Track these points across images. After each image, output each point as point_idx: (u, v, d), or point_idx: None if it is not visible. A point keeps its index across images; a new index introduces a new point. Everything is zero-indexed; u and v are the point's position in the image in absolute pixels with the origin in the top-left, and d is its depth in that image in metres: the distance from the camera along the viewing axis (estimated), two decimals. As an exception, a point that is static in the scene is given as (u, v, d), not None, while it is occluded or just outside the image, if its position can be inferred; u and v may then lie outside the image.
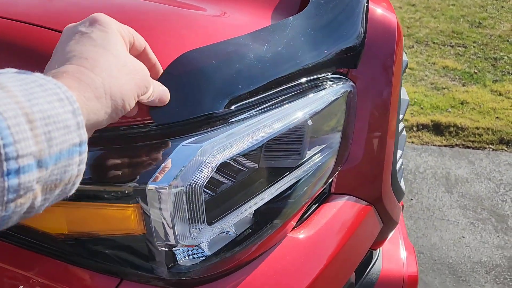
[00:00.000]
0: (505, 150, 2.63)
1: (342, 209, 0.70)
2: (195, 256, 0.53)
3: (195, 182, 0.47)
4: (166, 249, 0.49)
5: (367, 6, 0.74)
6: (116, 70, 0.41)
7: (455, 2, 5.38)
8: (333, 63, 0.67)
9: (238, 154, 0.51)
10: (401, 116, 0.87)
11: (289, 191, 0.62)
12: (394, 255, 0.98)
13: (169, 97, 0.48)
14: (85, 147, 0.37)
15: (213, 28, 0.61)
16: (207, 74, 0.51)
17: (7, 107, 0.32)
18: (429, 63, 3.75)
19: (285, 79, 0.59)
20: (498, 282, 1.81)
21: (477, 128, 2.78)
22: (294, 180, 0.62)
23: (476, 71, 3.57)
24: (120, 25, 0.45)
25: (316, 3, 0.68)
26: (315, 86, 0.66)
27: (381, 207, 0.80)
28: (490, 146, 2.67)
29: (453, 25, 4.59)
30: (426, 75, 3.53)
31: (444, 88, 3.32)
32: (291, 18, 0.64)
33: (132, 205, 0.47)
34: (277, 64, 0.58)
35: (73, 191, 0.38)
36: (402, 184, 0.92)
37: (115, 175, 0.46)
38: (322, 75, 0.67)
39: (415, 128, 2.82)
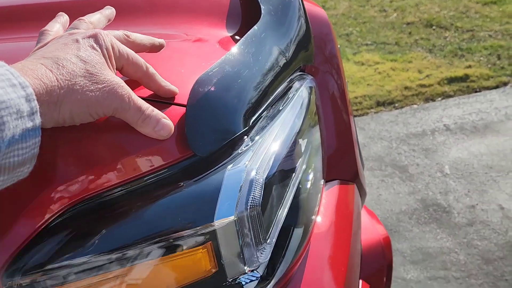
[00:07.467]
0: (384, 111, 2.97)
1: (341, 193, 0.75)
2: (254, 280, 0.52)
3: (253, 203, 0.46)
4: (236, 282, 0.48)
5: (303, 5, 0.79)
6: (81, 84, 0.42)
7: (296, -8, 5.84)
8: (298, 61, 0.71)
9: (276, 163, 0.51)
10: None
11: (303, 191, 0.64)
12: (365, 225, 1.06)
13: (169, 131, 0.46)
14: (39, 132, 0.39)
15: (189, 48, 0.60)
16: (222, 97, 0.50)
17: None
18: (294, 50, 4.03)
19: (275, 84, 0.61)
20: (420, 223, 2.05)
21: (356, 97, 3.08)
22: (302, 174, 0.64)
23: (335, 48, 3.95)
24: (117, 48, 0.46)
25: (267, 10, 0.71)
26: (290, 87, 0.69)
27: (358, 182, 0.86)
28: (371, 110, 2.98)
29: (302, 13, 4.99)
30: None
31: (315, 70, 3.61)
32: (255, 27, 0.65)
33: (201, 247, 0.44)
34: (265, 72, 0.60)
35: (27, 174, 0.40)
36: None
37: (176, 224, 0.44)
38: (294, 75, 0.70)
39: (305, 112, 3.02)
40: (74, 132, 0.43)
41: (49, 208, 0.41)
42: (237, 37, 0.70)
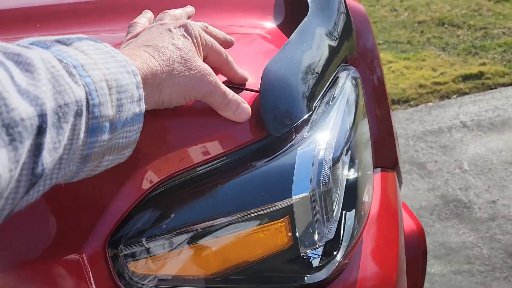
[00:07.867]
0: (399, 109, 2.98)
1: (384, 180, 0.77)
2: (316, 258, 0.54)
3: (324, 181, 0.49)
4: (306, 256, 0.51)
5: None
6: (178, 70, 0.46)
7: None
8: (344, 51, 0.74)
9: (339, 146, 0.54)
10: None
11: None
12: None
13: (248, 115, 0.50)
14: (143, 117, 0.42)
15: (247, 39, 0.63)
16: (290, 83, 0.53)
17: (94, 72, 0.37)
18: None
19: (328, 72, 0.64)
20: (441, 218, 2.06)
21: (371, 96, 3.10)
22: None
23: (348, 48, 3.97)
24: (203, 37, 0.50)
25: (314, 2, 0.74)
26: (337, 77, 0.71)
27: (398, 170, 0.88)
28: (387, 108, 3.00)
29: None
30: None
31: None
32: (306, 19, 0.68)
33: (279, 220, 0.47)
34: (320, 60, 0.63)
35: (126, 159, 0.43)
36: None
37: (258, 198, 0.47)
38: (341, 65, 0.73)
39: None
40: (162, 116, 0.47)
41: (144, 183, 0.44)
42: (282, 28, 0.74)
